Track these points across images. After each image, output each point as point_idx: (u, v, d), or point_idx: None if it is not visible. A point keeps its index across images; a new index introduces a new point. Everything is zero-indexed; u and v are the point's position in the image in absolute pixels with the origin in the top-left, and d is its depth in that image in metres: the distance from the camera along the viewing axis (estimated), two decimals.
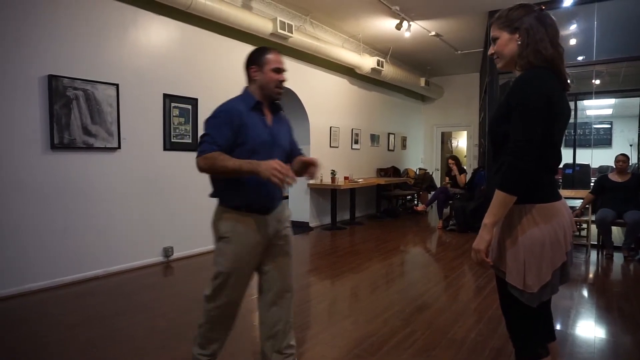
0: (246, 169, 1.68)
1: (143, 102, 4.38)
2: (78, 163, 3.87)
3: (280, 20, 5.38)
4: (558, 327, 2.96)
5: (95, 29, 3.96)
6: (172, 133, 4.64)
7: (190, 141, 4.83)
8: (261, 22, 5.26)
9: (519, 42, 1.47)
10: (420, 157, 11.06)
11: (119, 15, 4.16)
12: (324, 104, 7.08)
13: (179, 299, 3.51)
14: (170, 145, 4.62)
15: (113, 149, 4.12)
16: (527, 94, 1.39)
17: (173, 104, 4.64)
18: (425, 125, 11.11)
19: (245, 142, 1.80)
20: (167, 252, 4.61)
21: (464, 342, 2.66)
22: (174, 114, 4.66)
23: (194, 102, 4.84)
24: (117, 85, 4.10)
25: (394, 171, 9.16)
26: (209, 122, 1.79)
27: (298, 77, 6.41)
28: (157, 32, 4.51)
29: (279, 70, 1.89)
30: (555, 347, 1.66)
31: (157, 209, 4.53)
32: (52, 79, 3.62)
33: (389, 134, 9.33)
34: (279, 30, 5.35)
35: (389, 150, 9.40)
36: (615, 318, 3.16)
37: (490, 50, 1.58)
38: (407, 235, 6.56)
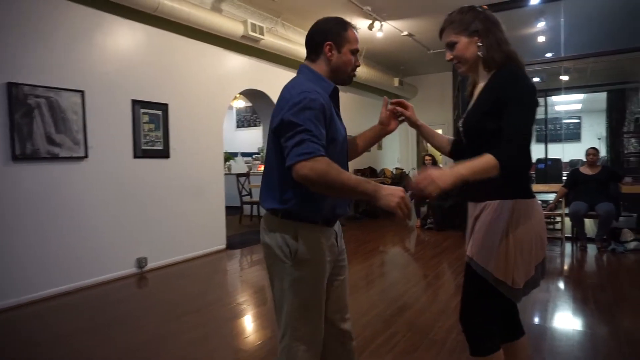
0: (363, 190, 1.29)
1: (110, 108, 4.23)
2: (43, 174, 3.70)
3: (251, 23, 5.30)
4: (536, 320, 2.97)
5: (58, 34, 3.80)
6: (142, 140, 4.50)
7: (161, 147, 4.69)
8: (231, 25, 5.17)
9: (480, 44, 1.48)
10: (396, 157, 11.11)
11: (83, 19, 4.00)
12: None
13: (151, 313, 3.39)
14: (141, 152, 4.48)
15: (80, 159, 3.96)
16: (522, 89, 1.41)
17: (142, 110, 4.50)
18: (400, 125, 11.15)
19: (334, 140, 1.45)
20: (141, 262, 4.46)
21: (445, 343, 2.64)
22: (144, 120, 4.52)
23: (164, 107, 4.71)
24: (82, 92, 3.95)
25: (370, 171, 9.17)
26: (302, 113, 1.34)
27: (270, 80, 6.34)
28: (123, 37, 4.38)
29: (357, 53, 1.55)
30: (523, 343, 1.66)
31: (128, 218, 4.39)
32: (12, 87, 3.46)
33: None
34: (250, 33, 5.27)
35: None
36: (592, 310, 3.19)
37: (448, 56, 1.55)
38: (386, 236, 6.56)
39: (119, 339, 2.84)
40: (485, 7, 1.52)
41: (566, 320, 3.02)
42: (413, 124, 1.76)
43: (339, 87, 1.58)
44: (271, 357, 2.48)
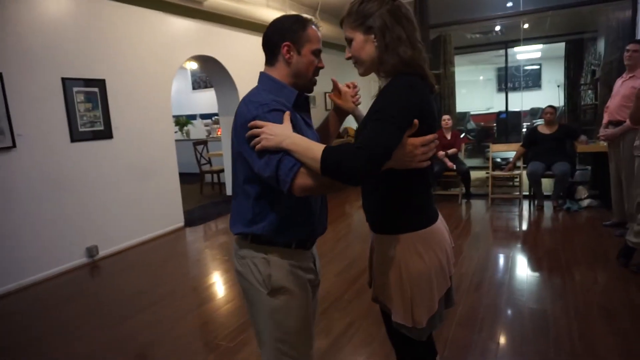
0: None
1: (37, 90, 3.83)
2: None
3: None
4: (489, 299, 2.99)
5: None
6: (78, 122, 4.13)
7: (102, 128, 4.34)
8: None
9: (376, 44, 1.25)
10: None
11: None
12: (253, 70, 6.56)
13: (99, 314, 3.24)
14: (78, 135, 4.13)
15: (7, 149, 3.60)
16: (393, 104, 1.16)
17: (76, 89, 4.10)
18: (363, 79, 10.87)
19: None
20: (92, 251, 4.24)
21: None
22: (79, 100, 4.13)
23: (101, 83, 4.31)
24: (0, 74, 3.53)
25: None
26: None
27: (220, 44, 5.92)
28: (45, 7, 3.88)
29: (319, 54, 1.38)
30: None
31: (72, 207, 4.11)
32: None
33: (325, 93, 9.05)
34: None
35: (326, 110, 9.15)
36: (544, 282, 3.25)
37: (346, 54, 1.33)
38: (351, 196, 6.48)
39: (57, 353, 2.69)
40: None
41: (519, 296, 3.05)
42: (343, 112, 1.58)
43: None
44: (247, 350, 2.41)
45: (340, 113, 1.60)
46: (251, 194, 1.32)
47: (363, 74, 1.34)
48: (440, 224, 1.38)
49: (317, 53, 1.37)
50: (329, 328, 2.71)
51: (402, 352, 1.46)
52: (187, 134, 9.99)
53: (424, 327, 1.31)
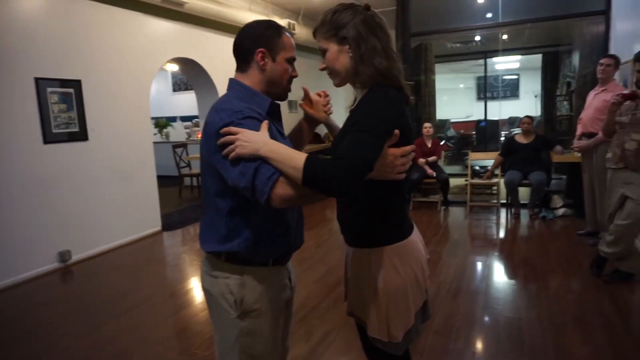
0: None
1: (9, 90, 3.71)
2: None
3: None
4: (466, 307, 3.02)
5: None
6: (52, 123, 4.02)
7: (77, 130, 4.24)
8: None
9: (351, 55, 1.23)
10: (341, 120, 10.95)
11: None
12: (232, 73, 6.56)
13: (69, 322, 3.14)
14: (52, 137, 4.02)
15: None
16: (373, 115, 1.15)
17: (50, 89, 3.99)
18: (343, 87, 10.92)
19: None
20: (64, 256, 4.12)
21: None
22: (52, 101, 4.02)
23: (76, 84, 4.21)
24: None
25: (314, 137, 8.97)
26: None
27: (201, 46, 5.86)
28: (18, 4, 3.78)
29: (293, 62, 1.35)
30: None
31: (44, 211, 3.99)
32: None
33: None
34: None
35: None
36: (520, 289, 3.30)
37: (320, 65, 1.31)
38: (332, 201, 6.48)
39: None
40: (368, 5, 1.26)
41: (495, 304, 3.09)
42: (314, 121, 1.55)
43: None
44: None
45: (311, 122, 1.56)
46: (224, 209, 1.25)
47: (338, 84, 1.32)
48: (416, 236, 1.37)
49: (291, 61, 1.34)
50: (309, 334, 2.69)
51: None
52: (167, 136, 9.85)
53: (400, 341, 1.29)
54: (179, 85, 10.45)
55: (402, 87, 1.25)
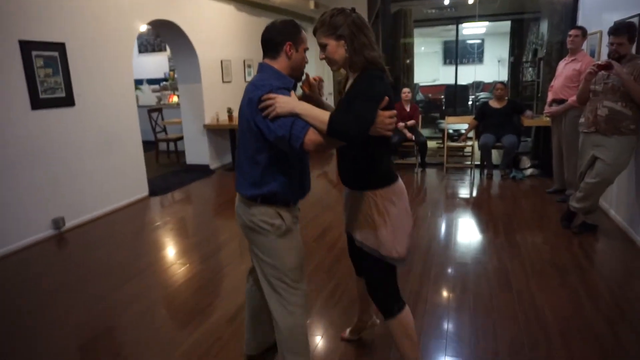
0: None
1: None
2: None
3: None
4: (439, 268, 3.33)
5: None
6: (39, 88, 3.91)
7: (63, 95, 4.14)
8: None
9: (346, 48, 1.64)
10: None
11: None
12: (212, 36, 6.47)
13: (71, 291, 3.22)
14: (39, 102, 3.92)
15: None
16: (371, 88, 1.58)
17: (35, 53, 3.86)
18: (317, 48, 10.86)
19: None
20: (58, 223, 4.12)
21: None
22: (38, 65, 3.90)
23: (60, 47, 4.07)
24: None
25: None
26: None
27: (179, 9, 5.72)
28: None
29: (306, 51, 1.76)
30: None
31: (35, 177, 3.94)
32: None
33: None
34: None
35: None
36: (490, 245, 3.66)
37: (321, 56, 1.70)
38: (312, 166, 6.65)
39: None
40: (354, 8, 1.66)
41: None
42: (310, 99, 1.86)
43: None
44: (232, 327, 2.54)
45: (307, 100, 1.90)
46: (261, 162, 1.66)
47: (336, 70, 1.77)
48: (402, 183, 1.84)
49: (305, 51, 1.75)
50: (320, 288, 2.92)
51: (376, 283, 1.85)
52: (136, 100, 9.55)
53: (405, 257, 1.78)
54: (146, 46, 10.04)
55: (384, 70, 1.68)
